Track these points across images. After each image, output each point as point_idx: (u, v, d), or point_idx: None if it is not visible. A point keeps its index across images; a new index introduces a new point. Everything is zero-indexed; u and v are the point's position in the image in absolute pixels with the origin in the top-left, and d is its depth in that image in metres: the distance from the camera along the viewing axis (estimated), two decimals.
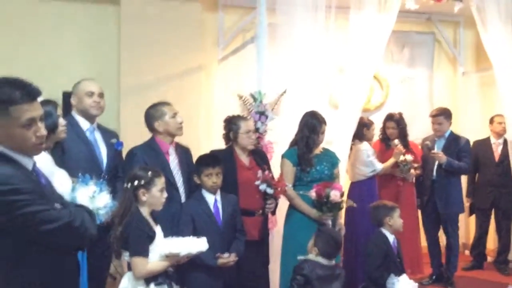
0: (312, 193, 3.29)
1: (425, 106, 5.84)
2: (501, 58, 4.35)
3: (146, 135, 3.27)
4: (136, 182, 2.55)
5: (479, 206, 5.29)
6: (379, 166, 4.54)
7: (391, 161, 4.63)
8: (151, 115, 3.23)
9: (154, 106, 3.25)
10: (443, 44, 6.05)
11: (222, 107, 4.65)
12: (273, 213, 3.48)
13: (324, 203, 3.28)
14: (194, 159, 3.27)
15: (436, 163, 4.62)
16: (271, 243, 3.76)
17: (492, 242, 5.49)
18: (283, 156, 3.52)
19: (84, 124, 3.14)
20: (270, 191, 3.25)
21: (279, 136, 3.90)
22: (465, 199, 5.09)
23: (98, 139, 3.16)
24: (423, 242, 4.91)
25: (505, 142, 5.06)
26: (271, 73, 3.97)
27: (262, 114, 3.85)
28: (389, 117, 4.84)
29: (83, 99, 3.12)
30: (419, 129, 5.35)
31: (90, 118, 3.16)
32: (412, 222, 4.65)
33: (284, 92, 3.90)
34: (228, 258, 2.94)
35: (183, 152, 3.31)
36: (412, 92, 5.88)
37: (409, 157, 4.60)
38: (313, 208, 3.36)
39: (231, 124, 3.40)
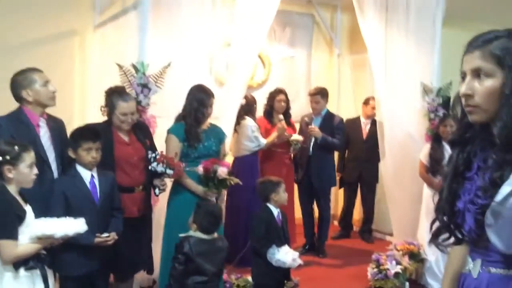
0: (200, 169, 3.25)
1: (304, 85, 6.09)
2: (375, 43, 4.67)
3: (10, 105, 2.93)
4: (0, 158, 2.30)
5: (347, 180, 5.69)
6: (263, 141, 4.67)
7: (273, 136, 4.77)
8: (19, 83, 2.89)
9: (22, 73, 2.91)
10: (321, 26, 6.33)
11: (99, 76, 4.35)
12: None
13: (211, 179, 3.25)
14: (68, 132, 3.02)
15: (313, 139, 4.87)
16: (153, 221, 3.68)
17: (357, 213, 5.98)
18: (169, 131, 3.40)
19: None
20: (169, 171, 3.14)
21: (163, 110, 3.76)
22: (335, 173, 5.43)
23: None
24: (297, 214, 5.19)
25: (373, 122, 5.46)
26: (155, 44, 3.79)
27: (144, 86, 3.67)
28: (279, 91, 4.96)
29: None
30: (298, 107, 5.57)
31: None
32: (289, 195, 4.86)
33: (169, 64, 3.77)
34: (106, 238, 2.80)
35: (56, 125, 3.04)
36: (292, 71, 6.09)
37: (299, 136, 4.81)
38: (199, 185, 3.33)
39: (109, 99, 3.20)
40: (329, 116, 5.01)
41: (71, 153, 2.87)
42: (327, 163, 4.97)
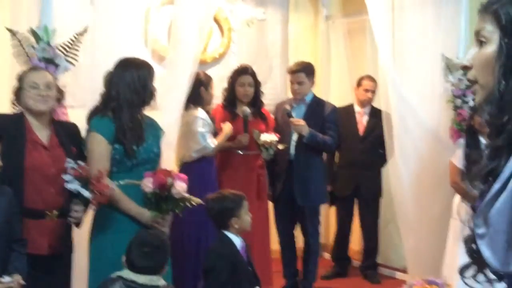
0: (148, 185, 3.19)
1: (278, 59, 6.14)
2: (378, 1, 4.72)
3: None
4: None
5: (339, 194, 5.71)
6: (211, 144, 4.56)
7: (222, 136, 4.69)
8: None
9: None
10: None
11: None
12: (78, 225, 3.28)
13: (163, 198, 3.22)
14: None
15: (295, 137, 4.88)
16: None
17: (356, 241, 6.03)
18: (92, 129, 3.33)
19: None
20: (87, 195, 3.07)
21: (77, 97, 3.75)
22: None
23: None
24: (272, 244, 5.19)
25: (373, 112, 5.55)
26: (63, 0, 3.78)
27: (49, 62, 3.63)
28: (243, 70, 4.91)
29: None
30: (271, 90, 5.62)
31: None
32: (261, 217, 4.85)
33: (85, 30, 3.75)
34: (9, 283, 2.75)
35: None
36: (262, 40, 6.10)
37: (272, 136, 4.74)
38: (144, 207, 3.28)
39: (17, 81, 3.24)
40: (317, 103, 5.04)
41: None
42: (315, 171, 4.99)
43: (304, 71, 4.94)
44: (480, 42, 1.39)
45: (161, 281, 2.90)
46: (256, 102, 4.95)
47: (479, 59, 1.39)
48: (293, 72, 4.98)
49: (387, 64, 4.85)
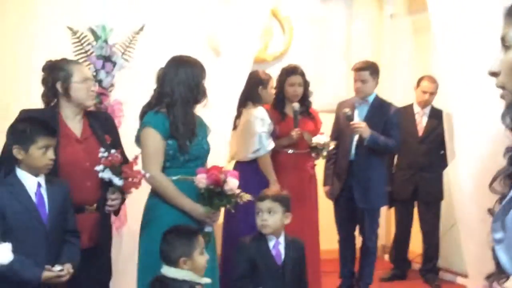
0: (202, 180, 3.23)
1: (341, 58, 6.13)
2: None
3: None
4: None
5: (398, 196, 5.64)
6: (267, 147, 4.54)
7: (282, 142, 4.77)
8: None
9: None
10: None
11: (45, 46, 4.40)
12: (116, 213, 3.38)
13: (217, 194, 3.26)
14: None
15: (356, 138, 4.85)
16: (119, 250, 3.71)
17: (417, 244, 5.93)
18: (145, 124, 3.36)
19: None
20: (118, 182, 3.11)
21: (132, 93, 3.81)
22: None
23: None
24: (332, 244, 5.20)
25: (433, 112, 5.47)
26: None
27: (107, 59, 3.73)
28: (293, 70, 4.91)
29: None
30: (333, 90, 5.61)
31: None
32: (310, 217, 4.88)
33: (141, 28, 3.83)
34: (59, 272, 2.83)
35: None
36: (324, 38, 6.09)
37: (324, 138, 4.76)
38: (197, 202, 3.32)
39: (56, 71, 3.24)
40: (380, 104, 4.99)
41: (18, 153, 2.87)
42: (376, 172, 4.94)
43: (369, 70, 4.91)
44: (506, 47, 1.38)
45: (204, 279, 2.94)
46: (304, 101, 4.94)
47: (506, 64, 1.38)
48: (358, 69, 4.94)
49: (447, 63, 4.74)
